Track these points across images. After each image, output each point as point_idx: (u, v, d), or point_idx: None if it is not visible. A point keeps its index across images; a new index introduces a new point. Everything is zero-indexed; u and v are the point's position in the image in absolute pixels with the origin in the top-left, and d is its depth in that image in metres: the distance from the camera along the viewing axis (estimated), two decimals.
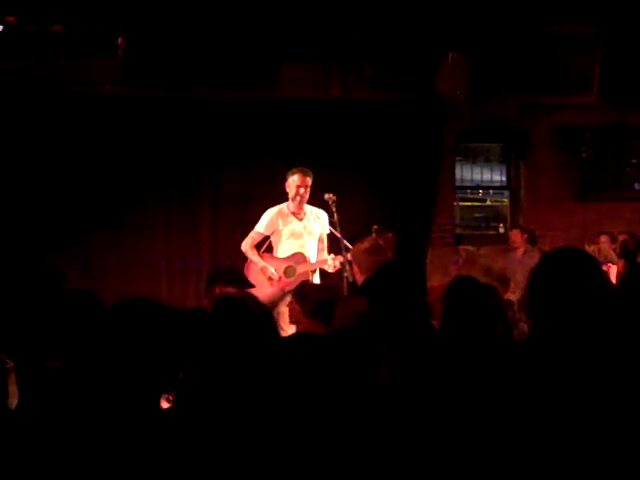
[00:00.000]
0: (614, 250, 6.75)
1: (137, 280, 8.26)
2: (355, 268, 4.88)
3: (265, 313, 3.14)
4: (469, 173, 10.42)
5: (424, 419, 2.68)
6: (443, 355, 3.07)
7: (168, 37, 7.94)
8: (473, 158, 10.46)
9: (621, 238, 8.70)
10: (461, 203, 10.42)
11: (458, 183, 10.22)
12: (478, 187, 10.56)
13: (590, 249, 5.37)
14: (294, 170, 6.76)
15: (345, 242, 6.26)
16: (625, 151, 10.18)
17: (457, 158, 10.15)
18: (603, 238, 8.62)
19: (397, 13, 8.27)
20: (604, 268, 4.50)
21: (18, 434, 2.24)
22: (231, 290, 4.99)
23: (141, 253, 8.61)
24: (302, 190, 6.65)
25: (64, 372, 2.41)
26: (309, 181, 6.66)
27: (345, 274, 6.13)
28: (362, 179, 8.96)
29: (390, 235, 5.73)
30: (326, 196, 6.55)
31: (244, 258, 6.84)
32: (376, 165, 9.09)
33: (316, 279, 6.72)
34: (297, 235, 6.73)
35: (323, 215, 6.80)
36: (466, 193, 10.50)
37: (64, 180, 8.29)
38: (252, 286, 6.61)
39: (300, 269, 6.63)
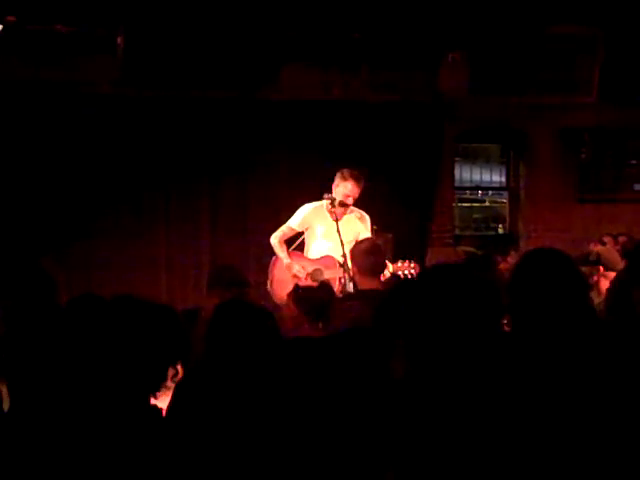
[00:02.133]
0: (618, 252, 6.72)
1: (137, 280, 8.24)
2: (354, 268, 4.87)
3: (269, 316, 3.15)
4: (468, 174, 10.42)
5: (434, 419, 2.70)
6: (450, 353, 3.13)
7: (168, 37, 7.95)
8: (472, 159, 10.46)
9: (620, 240, 8.69)
10: (460, 204, 10.43)
11: (457, 184, 10.21)
12: (477, 188, 10.56)
13: (597, 249, 5.36)
14: (347, 175, 6.13)
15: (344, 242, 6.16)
16: (625, 152, 10.17)
17: (456, 159, 10.15)
18: (607, 239, 8.60)
19: (397, 14, 8.28)
20: (608, 274, 4.52)
21: (9, 436, 2.24)
22: (234, 292, 4.95)
23: (141, 253, 8.60)
24: (350, 200, 6.13)
25: (53, 374, 2.40)
26: (359, 191, 6.12)
27: (345, 274, 6.02)
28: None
29: (389, 236, 5.74)
30: (326, 196, 6.18)
31: (271, 253, 6.37)
32: (376, 166, 9.05)
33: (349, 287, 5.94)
34: (331, 236, 6.12)
35: (366, 218, 6.23)
36: (465, 194, 10.51)
37: (64, 180, 8.28)
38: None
39: (327, 274, 6.07)
